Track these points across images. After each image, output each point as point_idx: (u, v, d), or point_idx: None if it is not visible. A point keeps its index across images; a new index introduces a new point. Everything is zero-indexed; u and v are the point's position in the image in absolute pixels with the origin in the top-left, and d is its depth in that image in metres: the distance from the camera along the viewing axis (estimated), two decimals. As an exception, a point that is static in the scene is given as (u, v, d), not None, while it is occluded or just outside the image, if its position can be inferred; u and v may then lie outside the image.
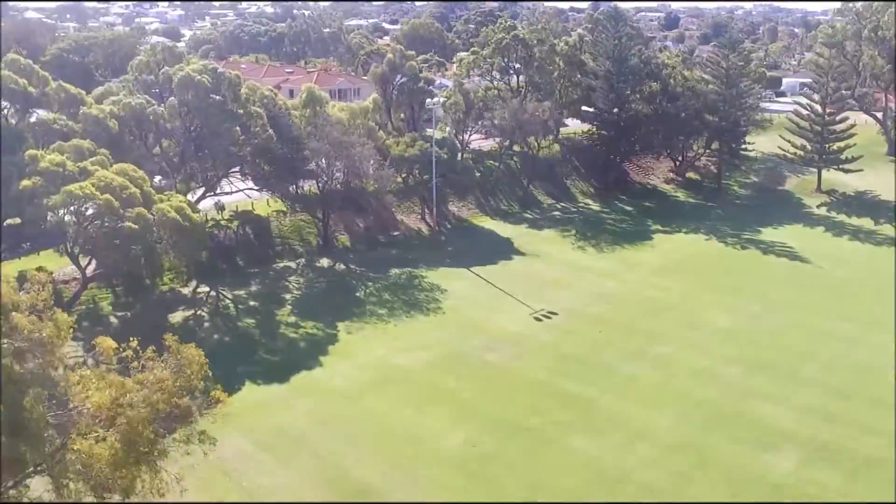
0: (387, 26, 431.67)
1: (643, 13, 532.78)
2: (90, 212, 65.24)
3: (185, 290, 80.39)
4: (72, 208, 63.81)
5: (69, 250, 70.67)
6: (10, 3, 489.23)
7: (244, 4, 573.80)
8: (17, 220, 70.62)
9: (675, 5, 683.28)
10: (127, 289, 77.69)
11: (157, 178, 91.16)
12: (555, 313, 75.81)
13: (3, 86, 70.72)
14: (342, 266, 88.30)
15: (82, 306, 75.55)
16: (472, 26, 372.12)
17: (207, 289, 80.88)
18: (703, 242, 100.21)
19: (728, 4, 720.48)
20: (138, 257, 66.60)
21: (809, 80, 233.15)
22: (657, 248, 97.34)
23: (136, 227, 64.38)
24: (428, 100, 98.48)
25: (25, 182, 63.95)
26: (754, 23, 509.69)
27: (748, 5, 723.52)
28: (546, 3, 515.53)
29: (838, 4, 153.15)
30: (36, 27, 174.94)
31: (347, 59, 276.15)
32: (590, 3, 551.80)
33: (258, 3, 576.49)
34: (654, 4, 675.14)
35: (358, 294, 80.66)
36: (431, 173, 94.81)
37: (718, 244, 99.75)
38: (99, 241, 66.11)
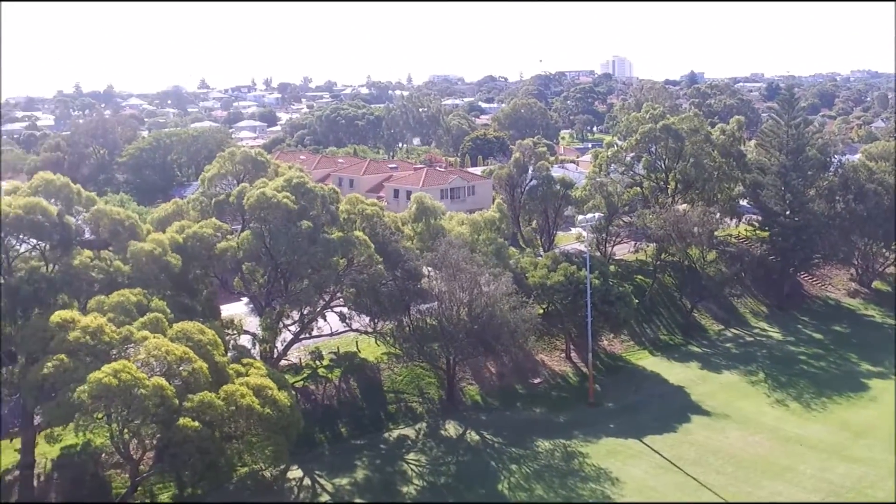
0: (483, 105, 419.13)
1: (740, 84, 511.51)
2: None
3: (271, 473, 60.71)
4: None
5: (112, 441, 52.04)
6: (116, 91, 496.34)
7: (339, 86, 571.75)
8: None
9: (769, 75, 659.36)
10: (194, 476, 58.06)
11: (244, 312, 73.43)
12: (784, 526, 53.80)
13: (23, 220, 52.41)
14: (474, 435, 67.49)
15: (138, 501, 56.83)
16: (570, 103, 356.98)
17: (300, 473, 61.16)
18: (939, 391, 76.61)
19: (824, 72, 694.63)
20: (201, 464, 47.48)
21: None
22: (880, 401, 74.02)
23: (197, 425, 45.30)
24: (580, 217, 78.09)
25: (48, 365, 45.54)
26: (860, 90, 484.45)
27: (845, 72, 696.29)
28: (641, 78, 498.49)
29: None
30: (119, 122, 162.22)
31: (447, 142, 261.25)
32: (684, 76, 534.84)
33: (353, 84, 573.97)
34: (748, 75, 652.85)
35: (500, 486, 59.64)
36: (587, 309, 74.01)
37: (962, 393, 76.08)
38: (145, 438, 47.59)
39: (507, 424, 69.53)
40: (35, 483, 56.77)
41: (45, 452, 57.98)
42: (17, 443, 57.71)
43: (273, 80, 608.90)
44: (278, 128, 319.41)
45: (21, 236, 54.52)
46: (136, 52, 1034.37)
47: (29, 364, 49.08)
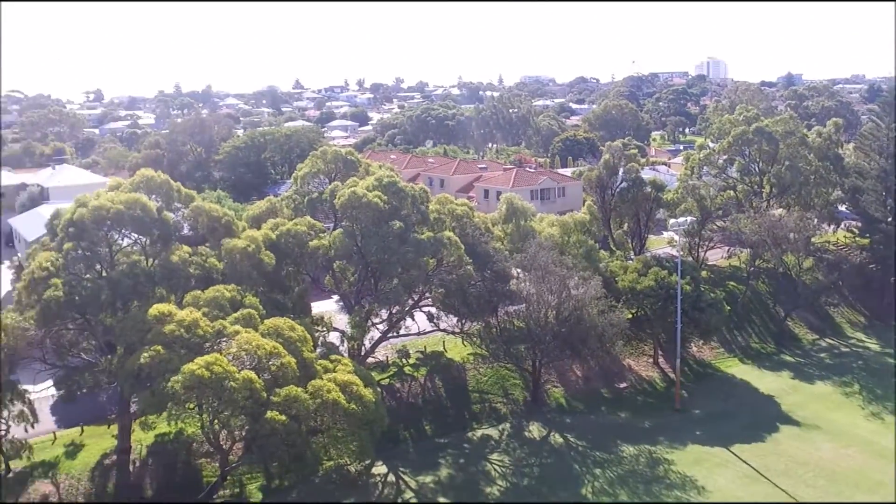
0: (573, 106, 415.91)
1: (840, 85, 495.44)
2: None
3: (356, 468, 61.51)
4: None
5: (203, 431, 53.64)
6: (213, 91, 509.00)
7: (431, 87, 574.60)
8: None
9: (870, 76, 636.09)
10: (281, 468, 59.34)
11: (334, 310, 74.73)
12: (877, 543, 52.22)
13: (125, 215, 54.33)
14: (558, 438, 67.33)
15: (227, 491, 58.37)
16: (662, 104, 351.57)
17: (385, 469, 61.92)
18: None
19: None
20: (287, 456, 48.66)
21: None
22: (983, 417, 71.30)
23: (284, 418, 46.39)
24: (672, 220, 77.27)
25: (144, 355, 47.19)
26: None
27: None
28: (736, 79, 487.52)
29: None
30: (216, 120, 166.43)
31: (536, 143, 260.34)
32: (781, 77, 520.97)
33: (444, 85, 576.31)
34: (848, 76, 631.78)
35: (583, 490, 59.34)
36: (676, 316, 73.02)
37: None
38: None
39: (592, 428, 69.16)
40: (131, 468, 58.97)
41: (140, 439, 60.05)
42: (115, 429, 60.19)
43: (366, 81, 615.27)
44: (369, 127, 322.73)
45: (123, 231, 56.48)
46: (234, 53, 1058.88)
47: (127, 354, 50.88)
